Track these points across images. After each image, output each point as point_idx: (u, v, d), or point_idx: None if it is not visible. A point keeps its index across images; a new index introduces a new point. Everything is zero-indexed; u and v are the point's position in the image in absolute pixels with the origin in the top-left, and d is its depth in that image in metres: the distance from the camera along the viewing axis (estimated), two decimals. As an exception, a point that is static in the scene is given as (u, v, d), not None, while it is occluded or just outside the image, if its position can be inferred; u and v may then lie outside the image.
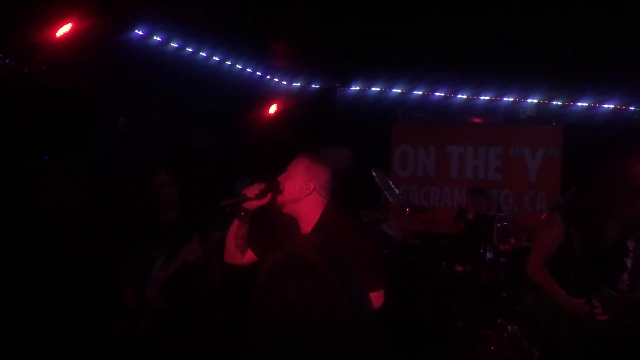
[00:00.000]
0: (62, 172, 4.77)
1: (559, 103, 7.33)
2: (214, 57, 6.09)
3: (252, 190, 2.80)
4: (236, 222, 2.89)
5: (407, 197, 7.47)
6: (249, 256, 2.95)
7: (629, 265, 3.24)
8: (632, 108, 7.14)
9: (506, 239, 6.04)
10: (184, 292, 3.76)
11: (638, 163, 3.39)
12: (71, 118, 4.52)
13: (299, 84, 7.67)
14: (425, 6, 4.57)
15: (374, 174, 6.35)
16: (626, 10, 4.38)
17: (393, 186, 6.49)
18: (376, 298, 2.56)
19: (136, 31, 5.11)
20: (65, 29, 4.34)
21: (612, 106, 7.13)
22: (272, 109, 7.42)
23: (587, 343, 3.20)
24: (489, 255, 5.93)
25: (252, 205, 2.83)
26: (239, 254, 2.93)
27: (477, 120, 8.02)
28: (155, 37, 5.32)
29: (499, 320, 5.61)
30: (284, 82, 7.52)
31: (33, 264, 4.40)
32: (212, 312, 4.00)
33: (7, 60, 4.20)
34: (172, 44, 5.52)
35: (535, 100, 7.38)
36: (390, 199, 6.51)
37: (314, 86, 7.77)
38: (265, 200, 2.81)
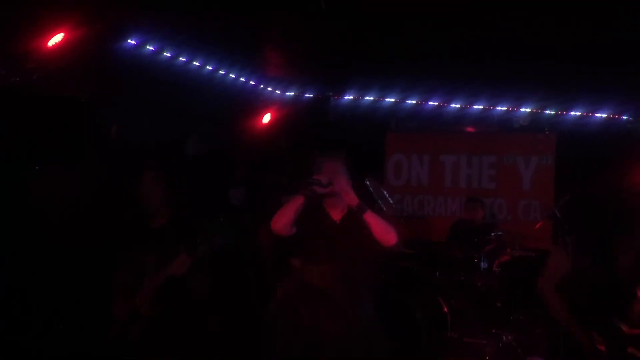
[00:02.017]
0: (54, 180, 4.75)
1: (552, 112, 7.35)
2: (207, 67, 6.08)
3: (323, 178, 3.39)
4: (301, 199, 3.40)
5: (401, 206, 7.47)
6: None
7: None
8: (625, 117, 7.17)
9: (503, 249, 6.05)
10: (173, 302, 3.72)
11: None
12: (63, 127, 4.50)
13: (292, 93, 7.66)
14: (419, 16, 4.58)
15: (367, 183, 6.33)
16: (618, 20, 4.41)
17: (387, 195, 6.47)
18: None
19: (129, 40, 5.10)
20: (57, 39, 4.33)
21: (604, 115, 7.16)
22: (266, 118, 7.41)
23: None
24: (483, 264, 5.93)
25: (321, 190, 3.38)
26: (292, 226, 3.44)
27: (470, 129, 8.03)
28: (148, 47, 5.30)
29: (494, 329, 5.60)
30: (278, 91, 7.51)
31: (24, 272, 4.37)
32: (203, 322, 3.97)
33: (-1, 70, 4.19)
34: (165, 54, 5.50)
35: (528, 109, 7.40)
36: (384, 208, 6.49)
37: (307, 95, 7.77)
38: (328, 189, 3.39)
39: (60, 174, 4.80)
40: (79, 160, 4.60)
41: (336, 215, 3.57)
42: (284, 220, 3.43)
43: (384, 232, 3.41)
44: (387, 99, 7.62)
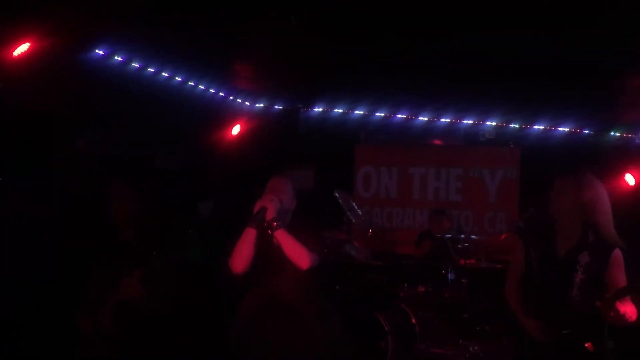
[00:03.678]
0: (22, 193, 4.66)
1: (517, 126, 7.51)
2: (177, 78, 6.05)
3: (266, 201, 3.29)
4: (253, 232, 3.31)
5: (370, 218, 7.51)
6: None
7: (577, 280, 3.14)
8: (587, 131, 7.36)
9: (469, 259, 6.14)
10: (135, 318, 3.65)
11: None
12: (30, 140, 4.42)
13: (262, 105, 7.67)
14: (388, 30, 4.65)
15: (336, 195, 6.38)
16: (580, 38, 4.55)
17: (356, 207, 6.52)
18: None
19: (97, 51, 5.05)
20: (22, 49, 4.26)
21: (567, 129, 7.34)
22: (235, 129, 7.40)
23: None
24: (450, 275, 6.00)
25: (269, 215, 3.28)
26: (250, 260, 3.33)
27: (437, 142, 8.14)
28: (116, 57, 5.26)
29: (461, 340, 5.66)
30: (247, 103, 7.51)
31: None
32: (166, 338, 3.92)
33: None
34: (133, 64, 5.46)
35: (493, 123, 7.55)
36: (353, 220, 6.53)
37: (277, 107, 7.79)
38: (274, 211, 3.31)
39: (28, 187, 4.71)
40: (46, 173, 4.52)
41: None
42: (243, 259, 3.33)
43: (294, 254, 3.25)
44: (356, 112, 7.68)
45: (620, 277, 3.13)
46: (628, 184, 7.03)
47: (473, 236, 6.40)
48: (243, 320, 3.28)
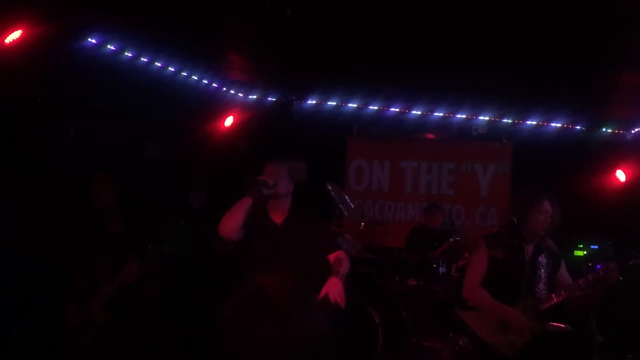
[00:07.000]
0: (7, 181, 4.62)
1: (509, 121, 7.53)
2: (170, 68, 6.02)
3: (269, 179, 3.41)
4: (249, 201, 3.39)
5: (362, 211, 7.52)
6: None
7: (543, 276, 3.82)
8: (578, 127, 7.39)
9: (461, 254, 6.16)
10: (125, 309, 3.65)
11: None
12: (18, 127, 4.38)
13: (255, 97, 7.64)
14: (382, 23, 4.65)
15: (329, 187, 6.38)
16: (571, 35, 4.56)
17: (348, 200, 6.53)
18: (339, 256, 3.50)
19: (89, 39, 5.01)
20: (14, 36, 4.22)
21: (559, 125, 7.37)
22: (228, 121, 7.37)
23: (521, 348, 3.68)
24: (441, 269, 6.03)
25: (267, 191, 3.41)
26: (240, 229, 3.41)
27: (430, 136, 8.15)
28: (108, 46, 5.22)
29: (451, 334, 5.69)
30: (240, 95, 7.48)
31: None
32: (156, 328, 3.91)
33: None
34: (126, 53, 5.42)
35: (486, 118, 7.56)
36: (345, 213, 6.54)
37: (270, 99, 7.76)
38: (273, 190, 3.43)
39: (13, 175, 4.67)
40: (32, 160, 4.48)
41: (278, 217, 3.60)
42: (233, 223, 3.39)
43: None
44: (350, 104, 7.66)
45: (567, 276, 3.90)
46: (619, 180, 7.07)
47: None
48: (229, 316, 3.26)
